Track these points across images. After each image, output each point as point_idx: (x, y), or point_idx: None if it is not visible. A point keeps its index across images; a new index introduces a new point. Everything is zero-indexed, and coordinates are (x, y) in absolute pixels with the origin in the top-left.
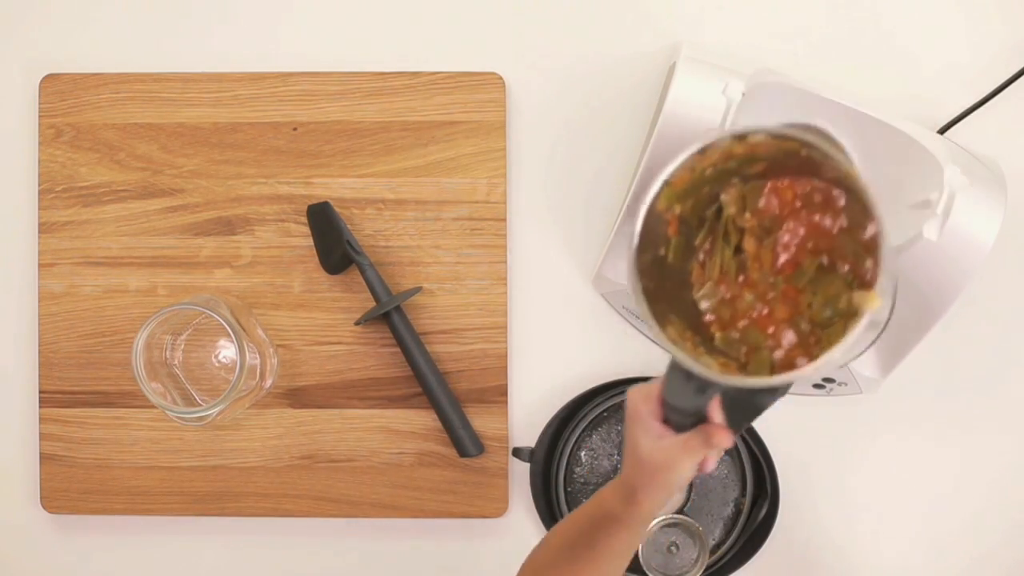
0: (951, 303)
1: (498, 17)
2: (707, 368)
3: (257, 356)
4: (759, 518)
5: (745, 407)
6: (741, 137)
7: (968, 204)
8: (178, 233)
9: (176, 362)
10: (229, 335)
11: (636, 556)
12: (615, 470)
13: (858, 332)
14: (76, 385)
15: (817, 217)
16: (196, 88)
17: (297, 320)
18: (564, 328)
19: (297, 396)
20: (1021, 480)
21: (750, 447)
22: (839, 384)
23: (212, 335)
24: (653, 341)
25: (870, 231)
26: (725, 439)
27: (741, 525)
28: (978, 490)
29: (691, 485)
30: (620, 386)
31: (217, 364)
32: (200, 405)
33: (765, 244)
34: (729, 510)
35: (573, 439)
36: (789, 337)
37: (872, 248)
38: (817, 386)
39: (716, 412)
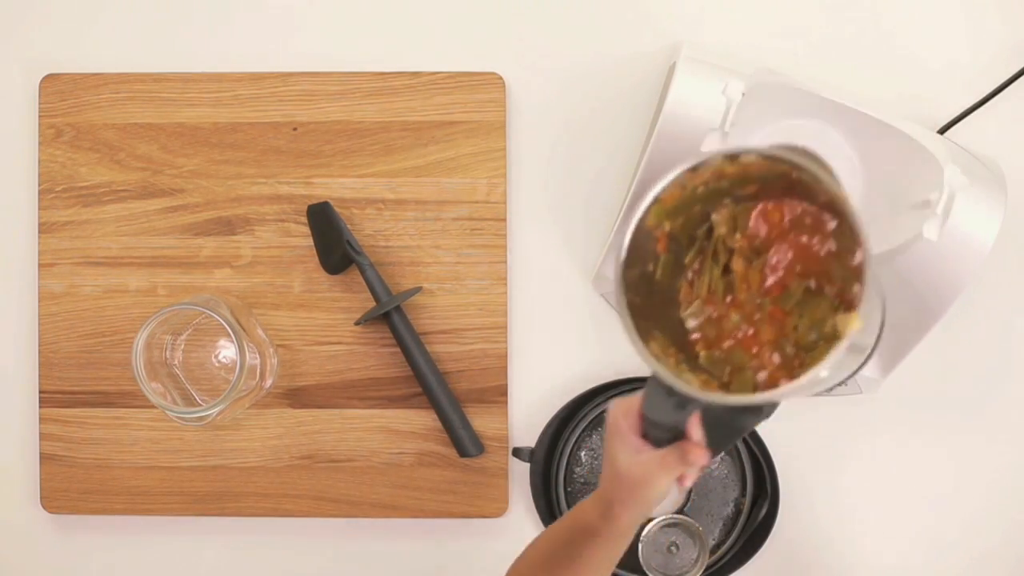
0: (951, 303)
1: (498, 17)
2: (688, 384)
3: (257, 356)
4: (759, 518)
5: (726, 428)
6: (733, 157)
7: (968, 204)
8: (178, 233)
9: (176, 362)
10: (229, 335)
11: (636, 556)
12: None
13: (838, 354)
14: (76, 385)
15: (806, 240)
16: (196, 88)
17: (297, 320)
18: (564, 328)
19: (297, 396)
20: (1021, 480)
21: (750, 447)
22: (839, 384)
23: (212, 335)
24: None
25: (858, 257)
26: (701, 457)
27: (741, 525)
28: (978, 490)
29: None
30: (620, 386)
31: (217, 364)
32: (200, 405)
33: (754, 265)
34: (729, 510)
35: (573, 439)
36: (774, 359)
37: (859, 273)
38: None
39: (695, 429)
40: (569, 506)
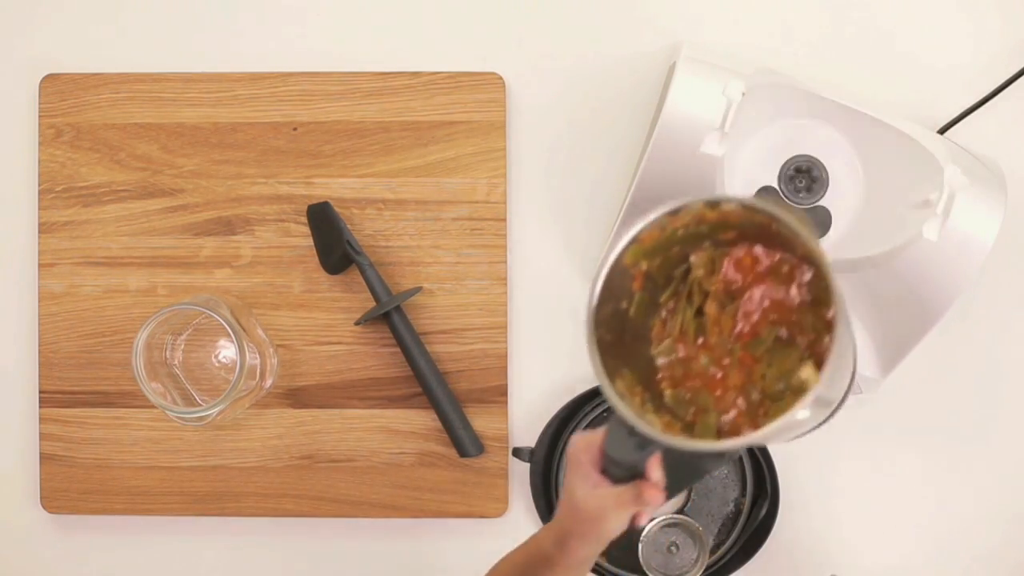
0: (951, 303)
1: (498, 17)
2: (650, 425)
3: (257, 356)
4: (759, 518)
5: (687, 468)
6: (713, 204)
7: (968, 204)
8: (178, 233)
9: (176, 362)
10: (229, 335)
11: (636, 556)
12: None
13: (800, 409)
14: (76, 385)
15: (782, 288)
16: (196, 88)
17: (297, 320)
18: (564, 328)
19: (297, 396)
20: (1021, 480)
21: (750, 447)
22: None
23: (212, 335)
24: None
25: (830, 312)
26: (656, 498)
27: (741, 525)
28: (978, 490)
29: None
30: None
31: (217, 364)
32: (200, 405)
33: (727, 310)
34: (729, 510)
35: None
36: (739, 403)
37: (831, 327)
38: None
39: (654, 470)
40: None
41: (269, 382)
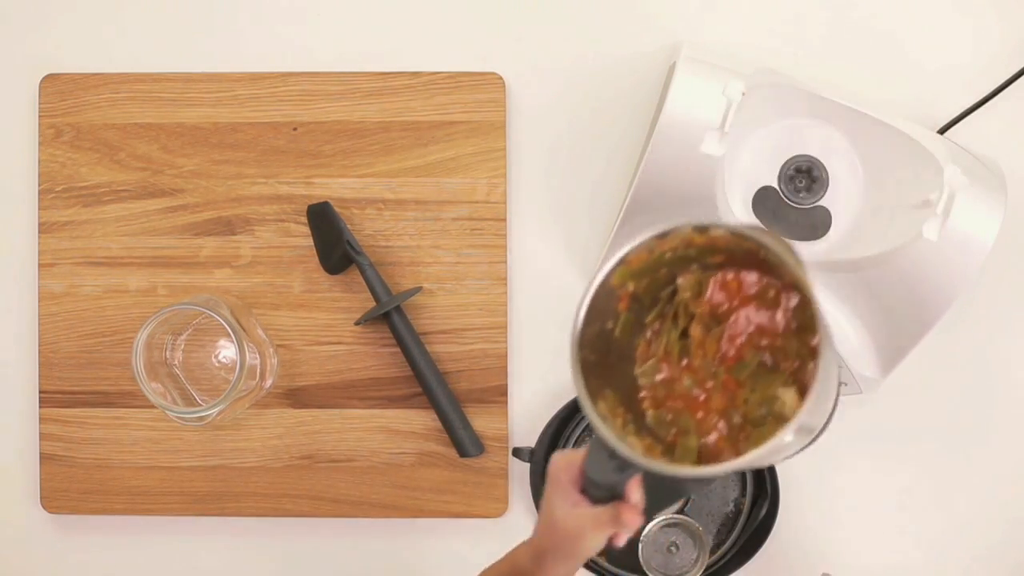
0: (951, 303)
1: (498, 17)
2: (631, 448)
3: (257, 356)
4: (759, 518)
5: (667, 490)
6: (702, 229)
7: (968, 204)
8: (178, 233)
9: (176, 362)
10: (229, 335)
11: (636, 556)
12: None
13: (781, 439)
14: (76, 385)
15: (768, 313)
16: (196, 88)
17: (297, 320)
18: (564, 328)
19: (297, 396)
20: (1021, 479)
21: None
22: (839, 384)
23: (212, 335)
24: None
25: (816, 339)
26: (634, 520)
27: (741, 525)
28: (978, 489)
29: None
30: None
31: (217, 364)
32: (200, 405)
33: (712, 333)
34: (729, 510)
35: (573, 439)
36: (720, 428)
37: (816, 354)
38: None
39: (634, 491)
40: None
41: (269, 382)
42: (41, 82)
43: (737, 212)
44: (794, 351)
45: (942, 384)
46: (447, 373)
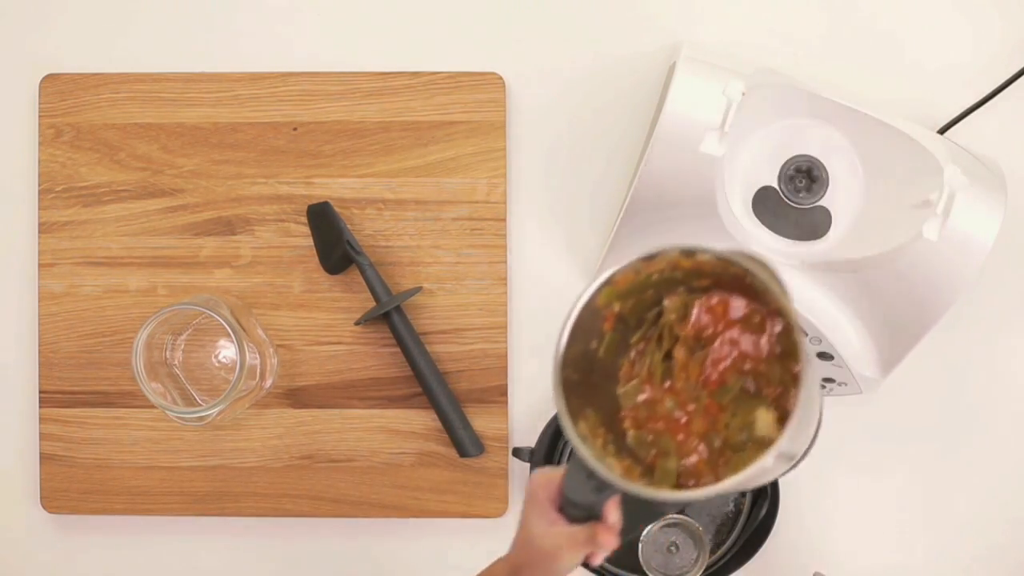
0: (951, 303)
1: (498, 17)
2: (609, 470)
3: (257, 356)
4: (759, 518)
5: (645, 510)
6: (689, 253)
7: (968, 204)
8: (178, 233)
9: (176, 362)
10: (229, 335)
11: (636, 556)
12: None
13: (760, 465)
14: (76, 385)
15: (753, 338)
16: (196, 88)
17: (297, 320)
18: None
19: (297, 396)
20: (1021, 479)
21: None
22: (839, 384)
23: (212, 335)
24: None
25: (798, 367)
26: (609, 541)
27: (741, 525)
28: (978, 489)
29: None
30: None
31: (217, 364)
32: (200, 405)
33: (696, 356)
34: (729, 510)
35: None
36: (700, 451)
37: (797, 383)
38: None
39: (611, 512)
40: None
41: (269, 382)
42: (41, 82)
43: (737, 212)
44: (777, 377)
45: (942, 384)
46: (447, 373)
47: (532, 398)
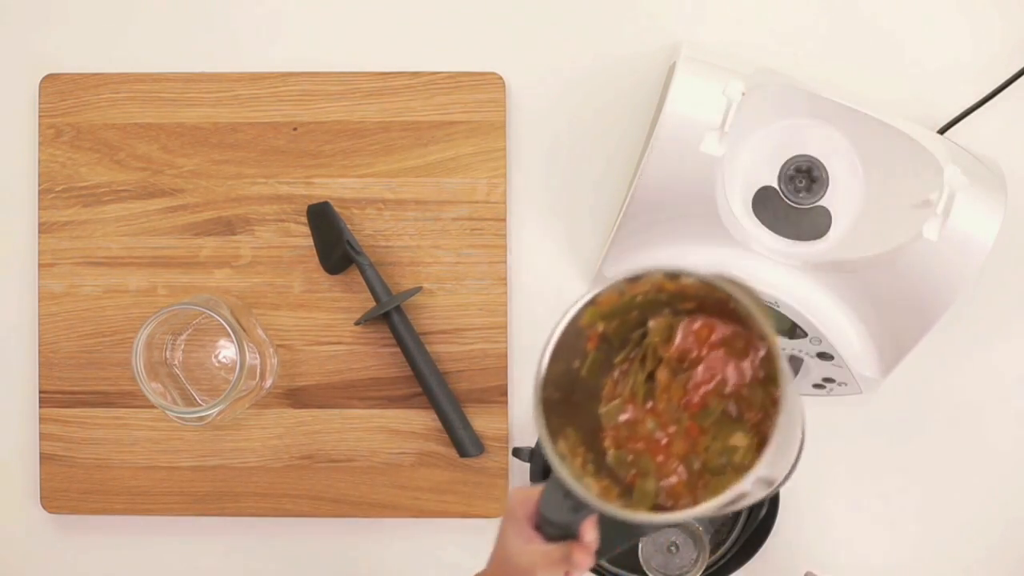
0: (951, 303)
1: (498, 17)
2: (586, 490)
3: (257, 356)
4: (759, 518)
5: (622, 531)
6: (673, 276)
7: (968, 204)
8: (178, 233)
9: (176, 362)
10: (229, 335)
11: (636, 556)
12: None
13: (738, 490)
14: (76, 385)
15: (736, 362)
16: (196, 88)
17: (297, 320)
18: None
19: (297, 396)
20: (1021, 479)
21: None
22: (839, 384)
23: (212, 335)
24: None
25: (778, 393)
26: (585, 561)
27: (741, 525)
28: (978, 490)
29: None
30: None
31: (217, 364)
32: (200, 405)
33: (678, 379)
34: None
35: None
36: (679, 472)
37: (777, 409)
38: (817, 386)
39: (588, 532)
40: None
41: (269, 382)
42: (41, 82)
43: (737, 212)
44: (759, 402)
45: (941, 384)
46: (447, 373)
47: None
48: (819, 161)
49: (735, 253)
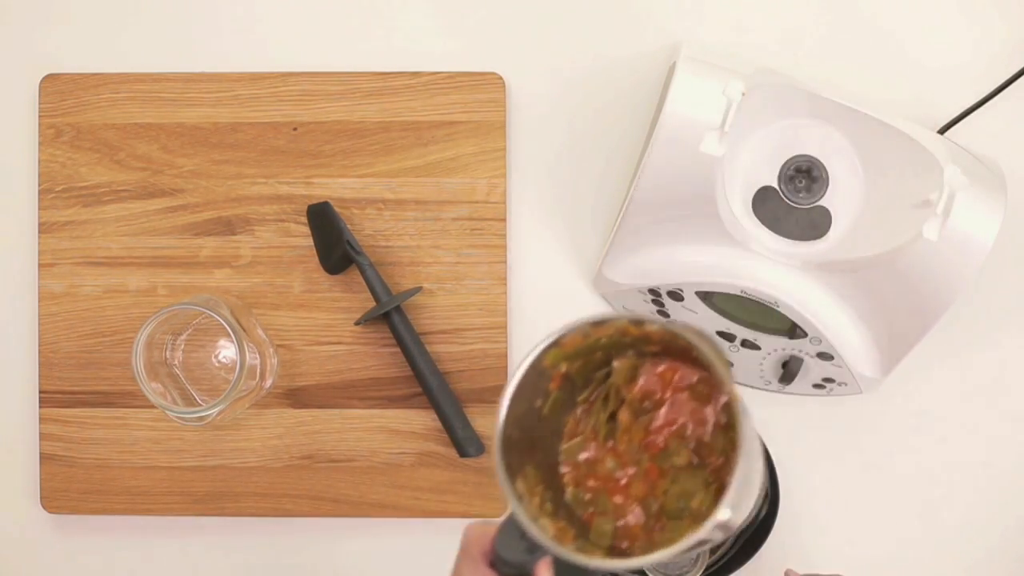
0: (951, 303)
1: (498, 17)
2: (542, 531)
3: (257, 356)
4: (759, 518)
5: (578, 571)
6: (638, 323)
7: (968, 204)
8: (178, 233)
9: (176, 362)
10: (229, 335)
11: None
12: None
13: (694, 539)
14: (76, 385)
15: (698, 407)
16: (196, 88)
17: (297, 320)
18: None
19: (297, 396)
20: (1021, 479)
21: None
22: (839, 384)
23: (212, 335)
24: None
25: (737, 441)
26: None
27: (741, 525)
28: (978, 490)
29: None
30: None
31: (217, 364)
32: (200, 405)
33: (640, 421)
34: None
35: None
36: (636, 513)
37: (736, 457)
38: (817, 386)
39: (543, 572)
40: None
41: (269, 382)
42: (41, 82)
43: (737, 212)
44: (720, 447)
45: (942, 384)
46: (447, 373)
47: None
48: (819, 161)
49: (735, 253)
